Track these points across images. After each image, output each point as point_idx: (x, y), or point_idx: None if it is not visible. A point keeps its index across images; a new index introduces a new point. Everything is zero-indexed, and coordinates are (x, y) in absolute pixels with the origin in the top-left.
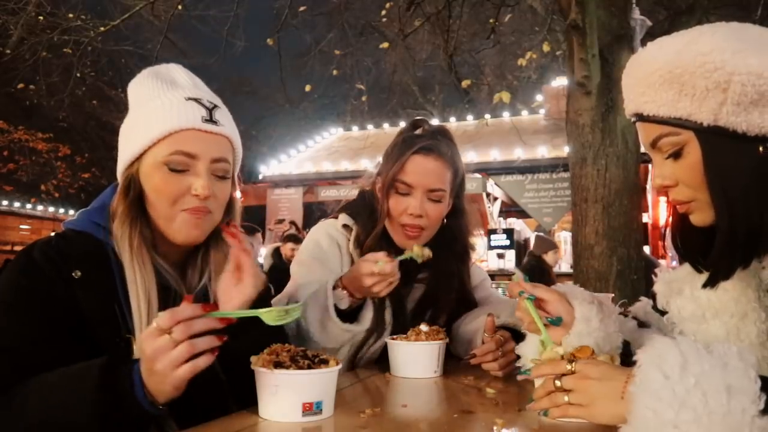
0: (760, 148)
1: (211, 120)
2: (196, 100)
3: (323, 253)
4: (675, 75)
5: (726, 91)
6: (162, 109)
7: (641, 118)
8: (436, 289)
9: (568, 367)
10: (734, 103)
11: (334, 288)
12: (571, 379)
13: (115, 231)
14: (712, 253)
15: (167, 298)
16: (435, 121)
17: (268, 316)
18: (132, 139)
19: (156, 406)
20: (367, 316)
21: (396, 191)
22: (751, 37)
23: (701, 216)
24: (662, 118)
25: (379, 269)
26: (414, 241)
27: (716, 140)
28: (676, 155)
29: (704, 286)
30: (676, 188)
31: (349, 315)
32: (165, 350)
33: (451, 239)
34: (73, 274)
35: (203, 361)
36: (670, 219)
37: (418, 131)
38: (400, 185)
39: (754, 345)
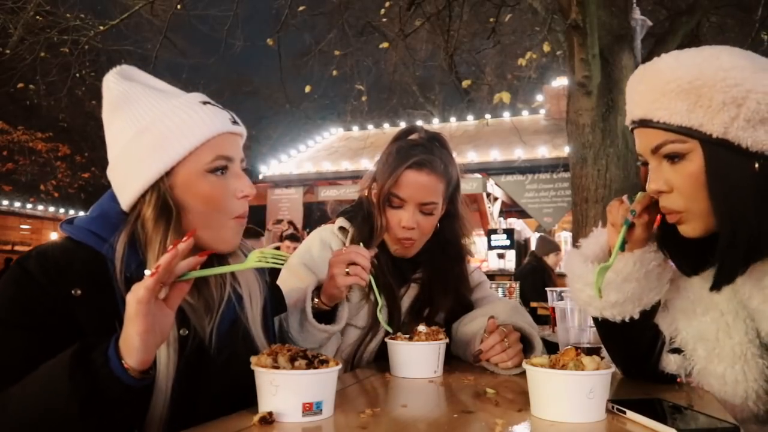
0: (756, 165)
1: (235, 121)
2: (209, 103)
3: (312, 259)
4: (694, 86)
5: (740, 107)
6: (191, 117)
7: (647, 124)
8: (430, 289)
9: None
10: (746, 119)
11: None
12: None
13: (148, 255)
14: (716, 258)
15: (182, 313)
16: (435, 121)
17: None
18: (156, 154)
19: (133, 377)
20: (342, 315)
21: (390, 205)
22: (763, 60)
23: (690, 227)
24: (671, 126)
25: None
26: (406, 250)
27: (720, 152)
28: (674, 159)
29: (711, 289)
30: (670, 196)
31: (327, 317)
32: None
33: (444, 242)
34: (73, 291)
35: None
36: (659, 224)
37: (413, 137)
38: (394, 199)
39: (743, 343)
